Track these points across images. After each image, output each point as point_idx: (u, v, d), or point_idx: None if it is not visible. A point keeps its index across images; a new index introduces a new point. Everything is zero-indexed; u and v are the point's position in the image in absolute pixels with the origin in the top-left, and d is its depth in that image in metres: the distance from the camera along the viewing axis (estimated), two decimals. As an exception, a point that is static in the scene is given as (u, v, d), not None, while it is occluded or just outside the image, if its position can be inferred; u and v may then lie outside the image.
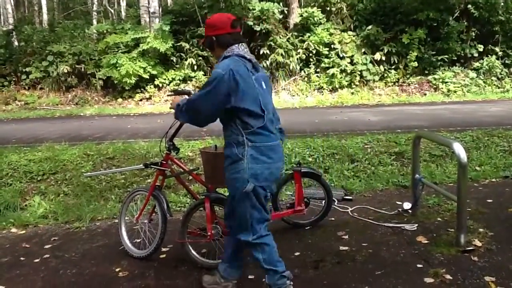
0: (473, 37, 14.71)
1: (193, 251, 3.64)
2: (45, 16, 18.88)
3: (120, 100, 14.03)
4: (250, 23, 13.64)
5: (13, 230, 4.80)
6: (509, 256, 3.53)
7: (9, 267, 3.85)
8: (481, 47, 14.58)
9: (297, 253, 3.78)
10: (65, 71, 14.01)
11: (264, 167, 2.73)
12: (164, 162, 3.76)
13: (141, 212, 3.87)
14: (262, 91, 2.81)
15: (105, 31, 15.10)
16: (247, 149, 2.70)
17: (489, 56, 14.54)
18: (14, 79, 14.72)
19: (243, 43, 2.86)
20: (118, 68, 13.21)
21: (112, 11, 20.97)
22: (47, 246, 4.27)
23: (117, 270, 3.66)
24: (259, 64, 2.99)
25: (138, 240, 3.99)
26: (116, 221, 4.21)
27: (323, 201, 4.44)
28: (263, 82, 2.86)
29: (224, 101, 2.68)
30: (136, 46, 13.74)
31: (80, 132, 8.83)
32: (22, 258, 4.02)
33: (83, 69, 14.27)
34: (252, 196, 2.74)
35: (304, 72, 14.44)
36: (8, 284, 3.54)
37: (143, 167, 3.90)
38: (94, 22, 18.52)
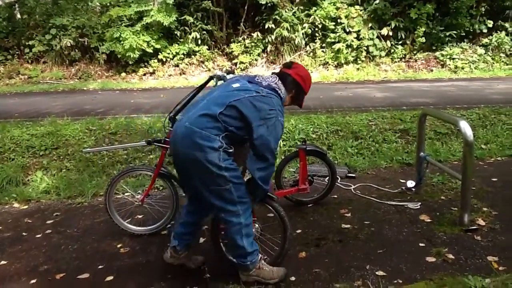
0: (483, 12, 14.39)
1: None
2: (48, -12, 18.63)
3: (123, 74, 13.94)
4: (256, -4, 13.41)
5: (16, 205, 4.81)
6: (513, 236, 3.50)
7: (11, 242, 3.87)
8: (490, 23, 14.27)
9: (299, 231, 3.77)
10: (68, 44, 13.86)
11: None
12: (168, 139, 3.65)
13: (147, 193, 3.82)
14: None
15: (108, 4, 14.89)
16: None
17: (498, 32, 14.25)
18: (17, 52, 14.60)
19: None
20: (122, 42, 13.08)
21: (116, -17, 20.65)
22: (49, 222, 4.28)
23: (119, 246, 3.68)
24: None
25: (136, 218, 3.99)
26: (119, 196, 4.19)
27: (327, 179, 4.41)
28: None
29: None
30: (139, 19, 13.56)
31: (83, 107, 8.79)
32: (24, 233, 4.04)
33: (86, 43, 14.12)
34: None
35: (310, 47, 14.24)
36: (10, 259, 3.56)
37: (145, 144, 3.81)
38: (97, -6, 18.27)
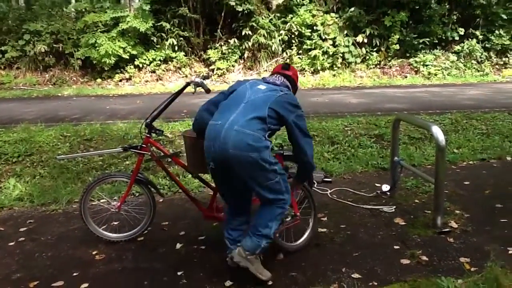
0: (455, 20, 14.79)
1: (280, 239, 3.45)
2: (21, -7, 18.33)
3: (99, 80, 13.79)
4: (232, 3, 13.44)
5: (-13, 213, 4.70)
6: (484, 237, 3.60)
7: (-18, 251, 3.77)
8: (462, 31, 14.66)
9: (276, 235, 3.78)
10: (42, 50, 13.67)
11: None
12: (144, 145, 3.63)
13: (123, 200, 3.75)
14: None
15: (83, 10, 14.76)
16: None
17: (470, 39, 14.65)
18: (-11, 58, 14.32)
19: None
20: (97, 48, 12.96)
21: (91, -12, 20.45)
22: (22, 229, 4.19)
23: (94, 253, 3.62)
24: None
25: (112, 225, 3.95)
26: (94, 203, 4.14)
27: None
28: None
29: None
30: (115, 25, 13.47)
31: (57, 113, 8.66)
32: (-4, 241, 3.95)
33: (61, 49, 13.95)
34: None
35: (286, 53, 14.37)
36: (-19, 268, 3.47)
37: (121, 150, 3.76)
38: (73, 0, 18.08)
